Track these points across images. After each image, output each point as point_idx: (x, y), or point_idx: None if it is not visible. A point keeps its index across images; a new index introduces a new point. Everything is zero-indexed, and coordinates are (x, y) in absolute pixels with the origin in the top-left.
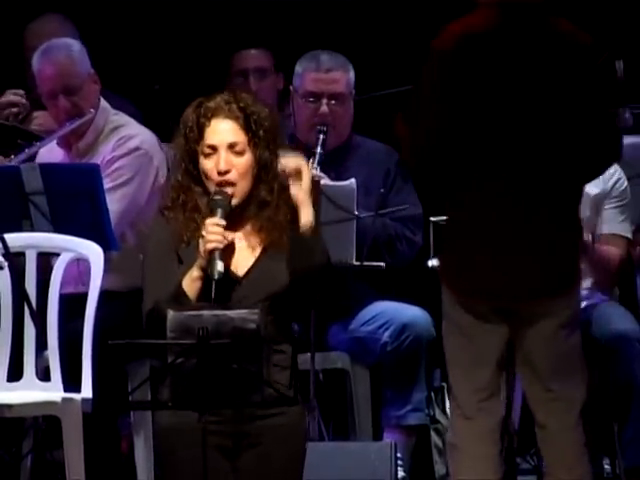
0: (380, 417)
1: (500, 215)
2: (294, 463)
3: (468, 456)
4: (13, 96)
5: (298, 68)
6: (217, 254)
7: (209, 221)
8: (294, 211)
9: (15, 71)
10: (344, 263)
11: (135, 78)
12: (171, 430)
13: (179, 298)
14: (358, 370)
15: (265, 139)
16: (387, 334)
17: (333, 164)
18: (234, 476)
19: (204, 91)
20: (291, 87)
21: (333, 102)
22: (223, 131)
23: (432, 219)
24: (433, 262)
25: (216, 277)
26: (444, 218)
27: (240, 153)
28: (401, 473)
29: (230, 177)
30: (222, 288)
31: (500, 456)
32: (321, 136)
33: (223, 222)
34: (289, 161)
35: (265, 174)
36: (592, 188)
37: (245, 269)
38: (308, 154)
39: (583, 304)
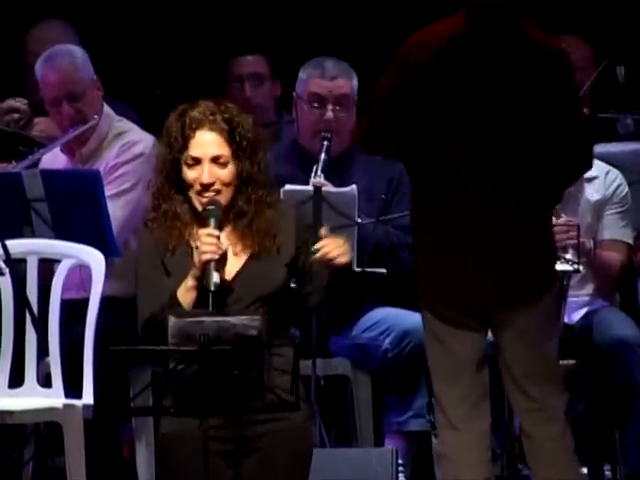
0: (381, 423)
1: (467, 222)
2: (298, 467)
3: (458, 466)
4: (14, 102)
5: (302, 74)
6: (212, 265)
7: (203, 231)
8: (277, 217)
9: (16, 76)
10: None
11: (136, 84)
12: (172, 437)
13: (174, 308)
14: (359, 376)
15: (248, 151)
16: (388, 340)
17: (337, 171)
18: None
19: (205, 97)
20: (294, 93)
21: (337, 108)
22: (207, 143)
23: None
24: None
25: (212, 288)
26: None
27: (224, 165)
28: (402, 479)
29: (213, 188)
30: (215, 294)
31: (490, 461)
32: (325, 143)
33: (217, 232)
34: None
35: (245, 185)
36: (593, 194)
37: (233, 273)
38: (311, 161)
39: (584, 310)
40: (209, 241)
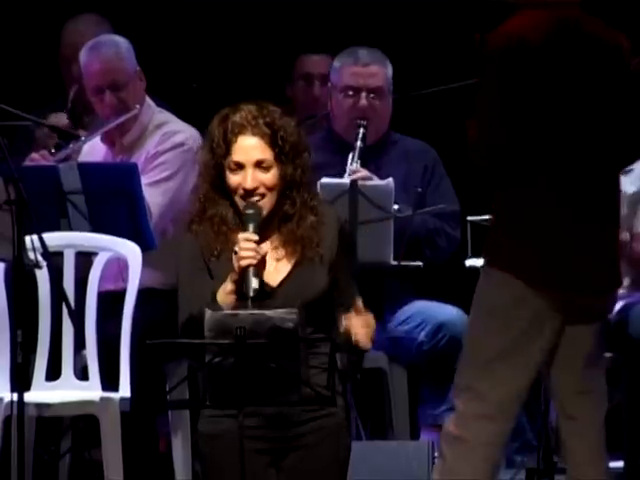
0: (417, 416)
1: (575, 207)
2: (338, 465)
3: (478, 455)
4: (55, 118)
5: (336, 63)
6: (251, 271)
7: (242, 236)
8: (320, 223)
9: (50, 72)
10: (382, 263)
11: (173, 77)
12: (210, 436)
13: (215, 306)
14: (395, 369)
15: (290, 154)
16: (423, 334)
17: (372, 158)
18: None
19: (242, 90)
20: (329, 83)
21: (372, 96)
22: (250, 148)
23: (470, 219)
24: (471, 262)
25: (251, 294)
26: (483, 217)
27: (267, 169)
28: None
29: (257, 193)
30: (254, 299)
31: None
32: (361, 130)
33: (255, 237)
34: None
35: (290, 189)
36: (629, 187)
37: (278, 280)
38: (347, 148)
39: (620, 303)
40: (247, 246)
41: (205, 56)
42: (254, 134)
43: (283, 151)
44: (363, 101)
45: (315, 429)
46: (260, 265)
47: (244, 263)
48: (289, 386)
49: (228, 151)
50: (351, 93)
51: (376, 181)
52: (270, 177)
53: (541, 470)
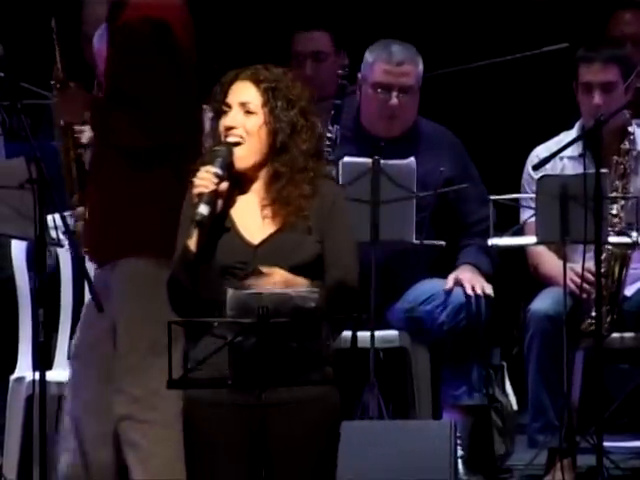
0: (439, 396)
1: None
2: (318, 437)
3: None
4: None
5: (368, 57)
6: (204, 198)
7: (203, 168)
8: (314, 194)
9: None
10: (403, 242)
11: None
12: (193, 401)
13: (184, 254)
14: (418, 349)
15: (284, 109)
16: (444, 314)
17: (400, 150)
18: (257, 445)
19: None
20: (359, 75)
21: (402, 95)
22: (239, 90)
23: (492, 197)
24: (494, 241)
25: (197, 218)
26: (505, 197)
27: (250, 113)
28: (460, 452)
29: (236, 133)
30: (231, 248)
31: None
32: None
33: (216, 170)
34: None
35: (283, 149)
36: None
37: (260, 239)
38: (372, 142)
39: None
40: (203, 175)
41: (227, 36)
42: (248, 79)
43: (275, 102)
44: (394, 100)
45: (296, 398)
46: (226, 202)
47: (195, 191)
48: (311, 365)
49: (225, 97)
50: (381, 91)
51: (398, 160)
52: (251, 121)
53: (563, 450)
